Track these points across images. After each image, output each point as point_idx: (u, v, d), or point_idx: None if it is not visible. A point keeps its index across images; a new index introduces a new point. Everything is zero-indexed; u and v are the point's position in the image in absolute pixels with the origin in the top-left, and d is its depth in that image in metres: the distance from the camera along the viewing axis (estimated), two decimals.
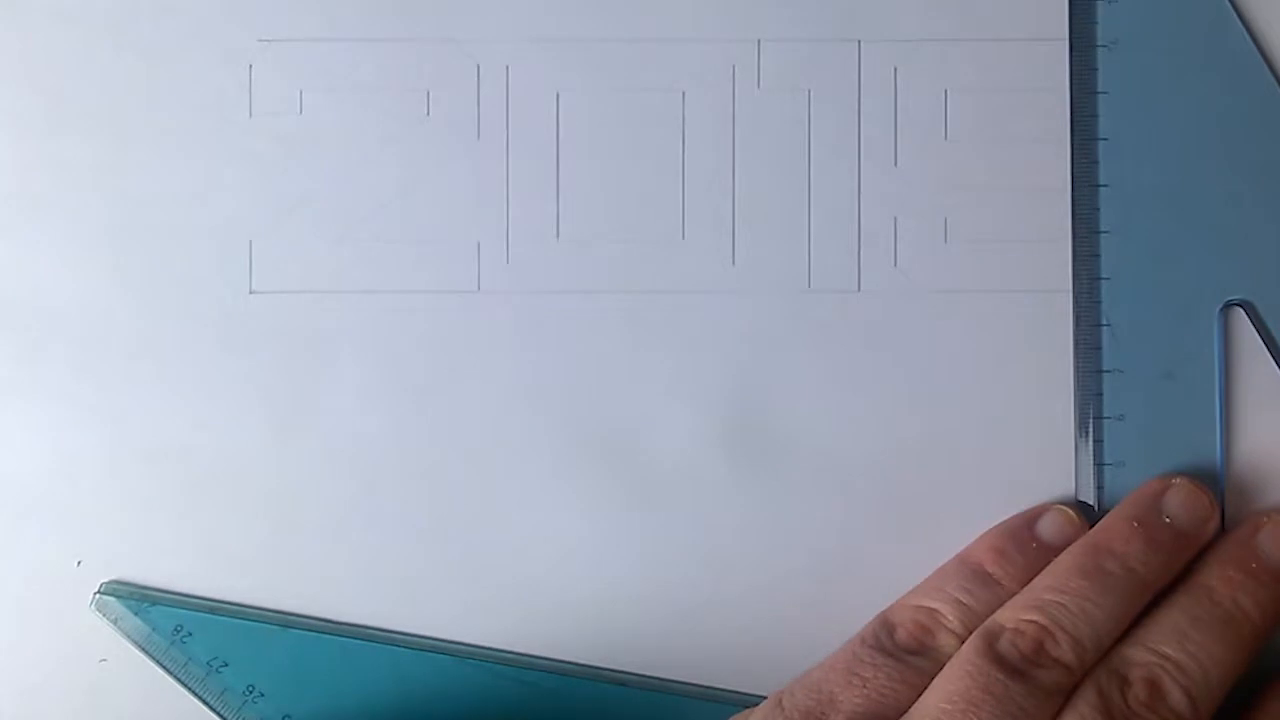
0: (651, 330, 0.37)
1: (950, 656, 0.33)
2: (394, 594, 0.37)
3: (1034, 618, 0.33)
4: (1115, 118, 0.36)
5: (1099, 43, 0.36)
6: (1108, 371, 0.36)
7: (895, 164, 0.37)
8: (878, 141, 0.37)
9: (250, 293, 0.37)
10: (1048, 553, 0.35)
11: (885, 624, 0.35)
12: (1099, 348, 0.36)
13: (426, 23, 0.37)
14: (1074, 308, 0.37)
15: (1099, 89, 0.36)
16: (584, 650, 0.37)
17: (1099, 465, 0.36)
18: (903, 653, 0.34)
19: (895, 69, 0.37)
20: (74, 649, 0.37)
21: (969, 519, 0.37)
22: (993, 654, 0.32)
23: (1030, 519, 0.36)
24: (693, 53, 0.37)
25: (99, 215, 0.37)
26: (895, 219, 0.37)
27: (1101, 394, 0.36)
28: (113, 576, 0.37)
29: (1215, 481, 0.36)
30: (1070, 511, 0.36)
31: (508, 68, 0.37)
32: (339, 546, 0.37)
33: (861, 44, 0.37)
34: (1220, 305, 0.36)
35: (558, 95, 0.37)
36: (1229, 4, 0.36)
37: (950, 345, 0.37)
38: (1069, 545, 0.35)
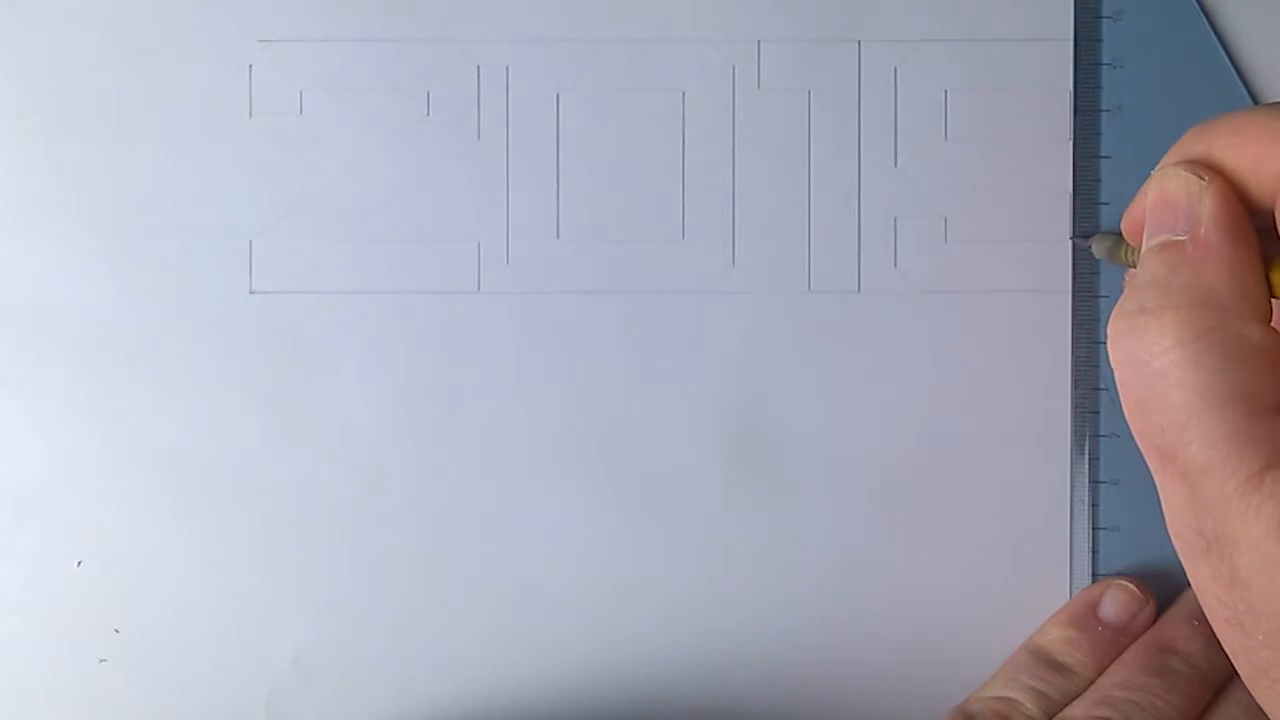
0: (651, 330, 0.37)
1: None
2: (393, 594, 0.37)
3: (1106, 714, 0.33)
4: (1117, 180, 0.36)
5: (1103, 108, 0.36)
6: (1104, 436, 0.36)
7: (895, 164, 0.37)
8: (878, 141, 0.37)
9: (250, 293, 0.37)
10: (1114, 633, 0.36)
11: (964, 715, 0.35)
12: (1096, 412, 0.36)
13: (426, 23, 0.37)
14: (1072, 372, 0.37)
15: (1101, 153, 0.36)
16: (582, 651, 0.37)
17: (1094, 529, 0.36)
18: None
19: (895, 69, 0.37)
20: (74, 649, 0.37)
21: (968, 519, 0.37)
22: None
23: (1092, 602, 0.36)
24: (693, 53, 0.37)
25: (99, 215, 0.37)
26: (895, 219, 0.37)
27: (1098, 458, 0.36)
28: (112, 577, 0.37)
29: None
30: (1130, 586, 0.36)
31: (508, 68, 0.37)
32: (339, 546, 0.37)
33: (861, 44, 0.37)
34: None
35: (558, 95, 0.37)
36: (1230, 68, 0.36)
37: (950, 346, 0.37)
38: (1133, 620, 0.36)
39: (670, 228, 0.37)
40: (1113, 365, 0.28)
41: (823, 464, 0.37)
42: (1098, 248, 0.34)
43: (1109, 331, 0.29)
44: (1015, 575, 0.37)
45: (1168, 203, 0.28)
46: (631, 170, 0.37)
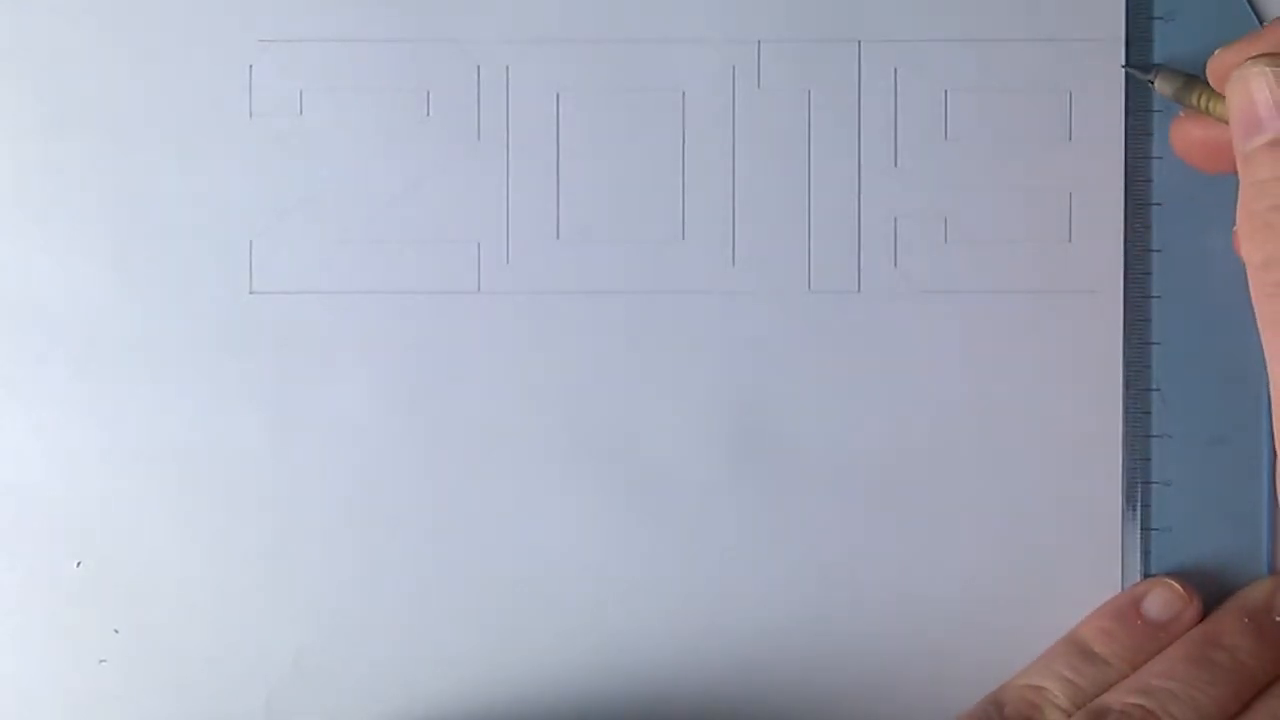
0: (651, 330, 0.37)
1: None
2: (394, 594, 0.37)
3: (1141, 701, 0.33)
4: (1169, 184, 0.36)
5: (1154, 108, 0.36)
6: (1156, 436, 0.36)
7: (895, 164, 0.37)
8: (878, 141, 0.37)
9: (250, 293, 0.37)
10: (1154, 630, 0.35)
11: (994, 702, 0.35)
12: (1149, 412, 0.36)
13: (426, 23, 0.37)
14: (1124, 372, 0.36)
15: (1154, 154, 0.36)
16: (582, 651, 0.37)
17: (1145, 530, 0.36)
18: None
19: (895, 69, 0.37)
20: (74, 649, 0.37)
21: (969, 520, 0.37)
22: None
23: (1136, 597, 0.36)
24: (693, 53, 0.37)
25: (98, 215, 0.37)
26: (895, 219, 0.37)
27: (1150, 459, 0.36)
28: (112, 577, 0.37)
29: (1261, 552, 0.36)
30: (1175, 584, 0.36)
31: (508, 68, 0.37)
32: (339, 547, 0.37)
33: (861, 44, 0.37)
34: None
35: (558, 95, 0.37)
36: None
37: (950, 346, 0.37)
38: (1175, 620, 0.35)
39: (670, 228, 0.37)
40: (1248, 261, 0.30)
41: (823, 464, 0.37)
42: (1163, 84, 0.34)
43: (1241, 232, 0.30)
44: (1014, 578, 0.37)
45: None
46: (631, 170, 0.37)
